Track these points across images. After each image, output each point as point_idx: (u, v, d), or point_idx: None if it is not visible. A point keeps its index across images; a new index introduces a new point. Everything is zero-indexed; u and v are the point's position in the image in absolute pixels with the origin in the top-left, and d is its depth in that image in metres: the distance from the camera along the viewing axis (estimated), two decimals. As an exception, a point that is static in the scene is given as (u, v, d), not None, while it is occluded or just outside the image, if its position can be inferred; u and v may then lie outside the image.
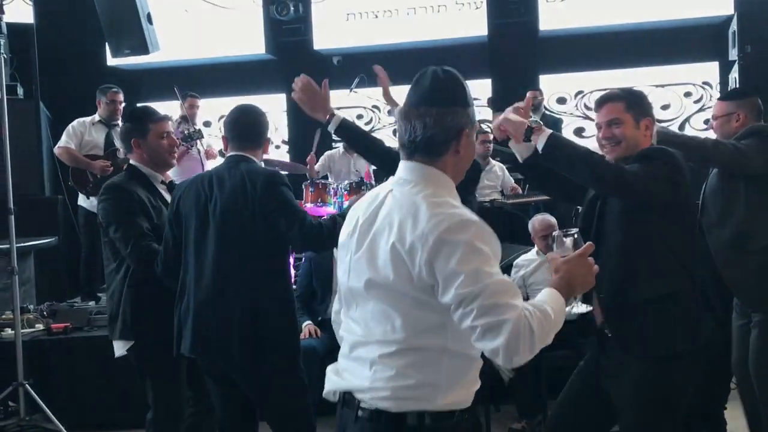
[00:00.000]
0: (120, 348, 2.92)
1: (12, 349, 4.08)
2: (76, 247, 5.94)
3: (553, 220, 4.42)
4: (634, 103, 2.45)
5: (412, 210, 1.57)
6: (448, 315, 1.54)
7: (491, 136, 6.15)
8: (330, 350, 4.17)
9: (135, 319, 2.82)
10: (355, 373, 1.64)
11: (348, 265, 1.68)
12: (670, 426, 2.36)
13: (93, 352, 4.33)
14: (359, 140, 2.81)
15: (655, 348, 2.32)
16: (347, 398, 1.66)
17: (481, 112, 7.64)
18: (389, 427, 1.58)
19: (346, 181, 5.66)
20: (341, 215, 2.58)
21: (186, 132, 5.68)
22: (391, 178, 1.72)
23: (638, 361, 2.32)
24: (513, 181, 6.02)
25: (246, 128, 2.70)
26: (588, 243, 1.82)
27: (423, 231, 1.53)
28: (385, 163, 2.73)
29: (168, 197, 2.94)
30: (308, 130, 6.05)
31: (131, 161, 2.98)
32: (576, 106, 7.67)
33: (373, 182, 5.74)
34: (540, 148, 2.33)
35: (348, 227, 1.73)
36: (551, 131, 2.37)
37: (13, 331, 4.17)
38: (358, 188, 5.65)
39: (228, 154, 2.71)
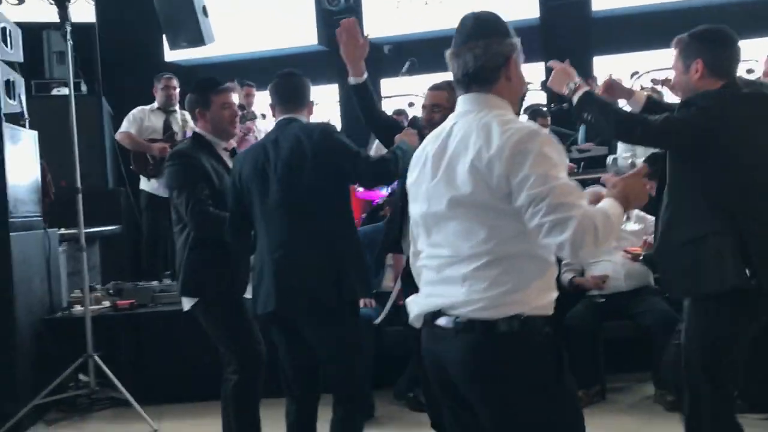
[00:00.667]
0: (186, 303, 3.06)
1: (81, 324, 4.26)
2: (138, 236, 6.16)
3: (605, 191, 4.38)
4: (685, 48, 2.52)
5: (484, 131, 1.70)
6: None
7: (549, 120, 6.12)
8: (384, 321, 4.23)
9: (193, 279, 2.96)
10: (445, 292, 1.75)
11: (426, 193, 1.80)
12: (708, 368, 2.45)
13: (158, 328, 4.51)
14: (369, 105, 2.94)
15: (685, 290, 2.45)
16: (436, 317, 1.77)
17: (535, 96, 7.60)
18: (485, 335, 1.69)
19: None
20: (399, 148, 2.69)
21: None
22: (452, 115, 1.85)
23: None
24: (568, 160, 5.95)
25: (289, 91, 2.78)
26: (643, 164, 1.91)
27: (498, 146, 1.66)
28: (382, 135, 3.00)
29: (230, 164, 3.04)
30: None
31: (196, 129, 3.11)
32: (632, 87, 7.52)
33: None
34: (574, 102, 2.52)
35: (418, 162, 1.87)
36: (588, 89, 2.52)
37: (82, 308, 4.35)
38: None
39: (277, 120, 2.79)
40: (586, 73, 6.93)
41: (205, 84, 3.10)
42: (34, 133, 4.68)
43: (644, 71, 7.44)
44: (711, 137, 2.39)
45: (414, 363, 4.13)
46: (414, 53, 6.53)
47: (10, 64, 4.47)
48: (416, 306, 1.84)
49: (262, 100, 6.98)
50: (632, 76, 7.55)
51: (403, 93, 7.46)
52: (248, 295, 3.00)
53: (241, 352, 2.99)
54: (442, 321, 1.74)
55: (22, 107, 4.57)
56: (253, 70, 7.64)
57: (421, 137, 2.37)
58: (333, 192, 2.64)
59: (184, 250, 3.00)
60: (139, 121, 5.59)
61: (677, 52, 2.55)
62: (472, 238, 1.70)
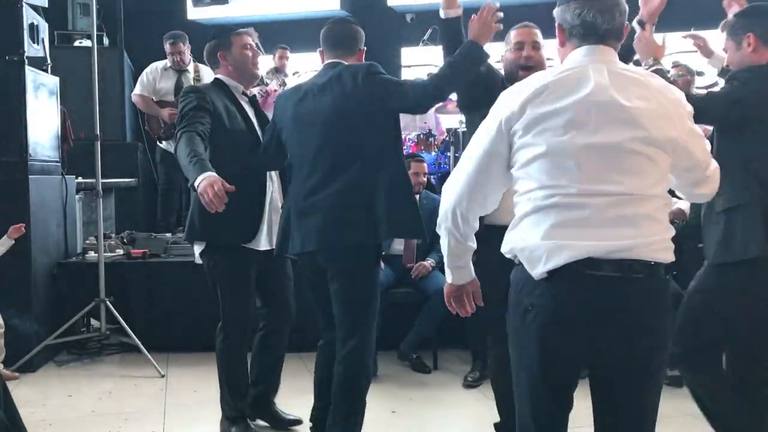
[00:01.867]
0: (197, 251, 3.08)
1: (95, 270, 4.35)
2: (153, 190, 6.23)
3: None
4: (733, 27, 2.60)
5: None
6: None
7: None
8: (394, 283, 4.28)
9: (201, 222, 2.95)
10: (624, 233, 1.62)
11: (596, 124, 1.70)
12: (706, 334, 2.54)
13: (169, 278, 4.60)
14: (455, 44, 2.75)
15: (716, 257, 2.51)
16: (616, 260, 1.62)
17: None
18: (664, 279, 1.68)
19: (414, 133, 5.70)
20: (460, 55, 2.62)
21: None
22: (577, 58, 1.75)
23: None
24: None
25: (338, 36, 2.79)
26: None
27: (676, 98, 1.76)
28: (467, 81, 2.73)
29: (248, 109, 3.08)
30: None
31: (216, 75, 3.13)
32: (649, 69, 7.46)
33: (447, 138, 5.74)
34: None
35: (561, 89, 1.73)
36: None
37: (96, 254, 4.43)
38: (426, 140, 5.70)
39: (323, 64, 2.82)
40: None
41: (223, 28, 3.14)
42: (56, 79, 4.73)
43: (667, 53, 7.38)
44: (750, 109, 2.46)
45: (421, 324, 4.18)
46: (437, 22, 6.48)
47: (35, 8, 4.50)
48: (577, 249, 1.59)
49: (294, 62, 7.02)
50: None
51: (423, 63, 7.43)
52: (262, 245, 3.04)
53: (228, 310, 3.04)
54: (630, 264, 1.59)
55: (45, 52, 4.61)
56: (275, 33, 7.63)
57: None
58: (380, 130, 2.63)
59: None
60: (153, 81, 5.66)
61: (726, 34, 2.62)
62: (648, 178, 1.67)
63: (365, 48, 2.83)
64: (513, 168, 1.74)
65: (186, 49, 5.73)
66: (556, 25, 1.82)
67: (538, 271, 1.62)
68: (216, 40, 3.08)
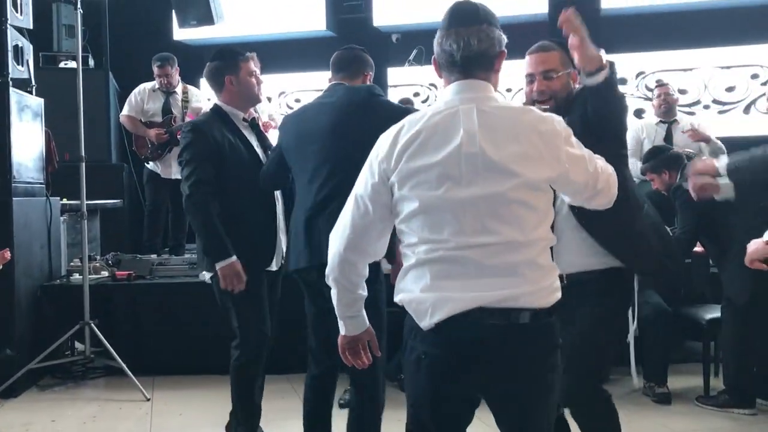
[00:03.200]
0: (206, 274, 3.06)
1: (79, 292, 4.30)
2: (139, 212, 6.20)
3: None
4: None
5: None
6: None
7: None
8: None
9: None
10: (504, 283, 1.68)
11: (473, 175, 1.71)
12: None
13: (154, 300, 4.56)
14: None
15: None
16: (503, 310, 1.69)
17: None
18: (549, 321, 1.73)
19: None
20: None
21: None
22: (447, 97, 1.72)
23: None
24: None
25: (344, 60, 2.83)
26: None
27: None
28: None
29: (248, 135, 3.09)
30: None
31: (216, 102, 3.12)
32: (637, 87, 7.54)
33: None
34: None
35: (443, 141, 1.70)
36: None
37: (81, 276, 4.39)
38: None
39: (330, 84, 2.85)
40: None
41: (231, 51, 3.11)
42: (41, 101, 4.71)
43: (650, 71, 7.48)
44: None
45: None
46: (423, 43, 6.54)
47: (20, 30, 4.49)
48: (461, 301, 1.61)
49: (268, 84, 7.01)
50: (638, 76, 7.58)
51: (409, 83, 7.48)
52: (275, 266, 3.07)
53: (245, 330, 3.01)
54: (517, 313, 1.61)
55: (29, 73, 4.60)
56: (260, 53, 7.65)
57: None
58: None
59: None
60: (140, 103, 5.67)
61: None
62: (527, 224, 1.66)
63: (371, 74, 2.86)
64: (396, 219, 1.73)
65: (174, 71, 5.75)
66: (432, 58, 1.78)
67: (425, 323, 1.64)
68: (222, 62, 3.05)
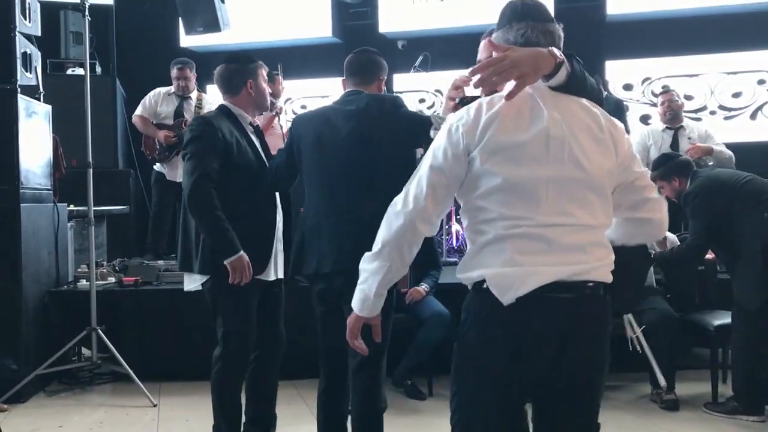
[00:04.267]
0: (193, 282, 3.03)
1: (86, 298, 4.31)
2: (145, 217, 6.22)
3: None
4: None
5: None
6: None
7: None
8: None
9: (214, 253, 2.89)
10: (579, 258, 1.71)
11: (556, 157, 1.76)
12: None
13: (161, 305, 4.56)
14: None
15: None
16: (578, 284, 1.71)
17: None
18: (606, 297, 1.76)
19: None
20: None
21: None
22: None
23: None
24: None
25: (359, 65, 2.82)
26: None
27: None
28: None
29: (254, 139, 3.08)
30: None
31: (223, 102, 3.10)
32: (642, 93, 7.54)
33: None
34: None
35: (529, 119, 1.74)
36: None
37: (88, 282, 4.40)
38: None
39: (345, 91, 2.84)
40: (598, 76, 6.96)
41: (249, 56, 3.12)
42: (48, 107, 4.74)
43: (656, 77, 7.47)
44: None
45: (415, 350, 4.16)
46: (429, 49, 6.54)
47: (28, 38, 4.52)
48: (544, 275, 1.64)
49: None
50: (644, 81, 7.58)
51: (414, 89, 7.50)
52: (271, 276, 3.03)
53: (230, 339, 2.99)
54: (585, 285, 1.67)
55: (37, 80, 4.63)
56: (267, 60, 7.67)
57: None
58: (400, 159, 2.65)
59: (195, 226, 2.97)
60: (154, 105, 5.70)
61: None
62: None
63: (385, 78, 2.86)
64: (470, 194, 1.73)
65: (192, 75, 5.81)
66: (497, 46, 1.80)
67: (509, 297, 1.64)
68: (243, 65, 3.05)
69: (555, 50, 1.70)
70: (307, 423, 3.69)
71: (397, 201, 1.77)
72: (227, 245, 2.81)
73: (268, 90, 3.13)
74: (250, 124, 3.11)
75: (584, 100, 1.78)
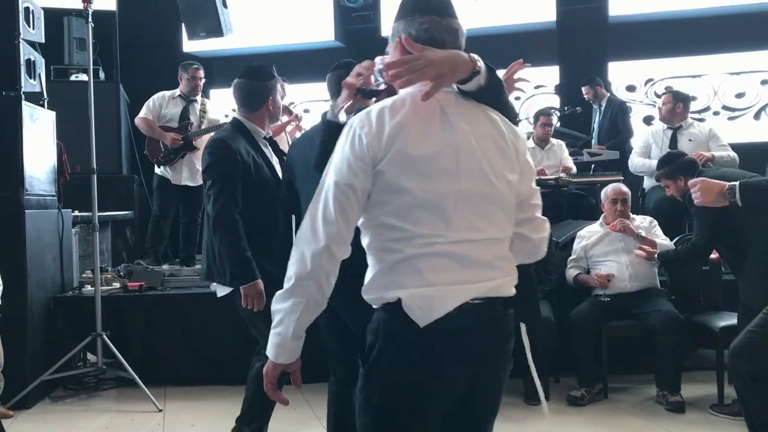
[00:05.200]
0: (224, 290, 3.04)
1: (91, 304, 4.32)
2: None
3: (626, 189, 4.41)
4: None
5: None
6: None
7: (554, 119, 6.11)
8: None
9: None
10: (490, 274, 1.67)
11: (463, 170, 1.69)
12: None
13: (166, 311, 4.57)
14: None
15: None
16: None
17: (548, 99, 7.62)
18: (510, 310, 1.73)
19: None
20: None
21: None
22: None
23: None
24: (571, 161, 5.93)
25: (333, 83, 2.74)
26: None
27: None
28: None
29: (268, 153, 3.10)
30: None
31: (236, 116, 3.11)
32: (646, 93, 7.55)
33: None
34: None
35: (434, 131, 1.65)
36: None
37: (93, 288, 4.41)
38: None
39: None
40: (601, 77, 6.95)
41: (268, 72, 3.10)
42: (52, 114, 4.75)
43: (659, 78, 7.47)
44: None
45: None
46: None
47: (32, 44, 4.54)
48: (460, 293, 1.58)
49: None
50: (647, 83, 7.57)
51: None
52: None
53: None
54: (497, 301, 1.64)
55: (41, 87, 4.64)
56: (270, 64, 7.71)
57: None
58: None
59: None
60: (158, 108, 5.67)
61: None
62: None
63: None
64: (377, 210, 1.60)
65: (203, 79, 5.78)
66: (396, 40, 1.68)
67: (425, 319, 1.55)
68: (266, 82, 3.05)
69: (476, 57, 1.65)
70: (312, 427, 3.70)
71: (305, 228, 1.63)
72: (245, 272, 2.88)
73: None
74: (264, 137, 3.13)
75: (490, 110, 1.70)
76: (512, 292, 1.68)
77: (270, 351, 1.66)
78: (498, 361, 1.69)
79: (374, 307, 1.64)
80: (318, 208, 1.61)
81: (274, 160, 3.12)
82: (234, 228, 2.87)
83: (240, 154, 2.93)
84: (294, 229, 3.10)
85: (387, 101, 1.64)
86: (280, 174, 3.08)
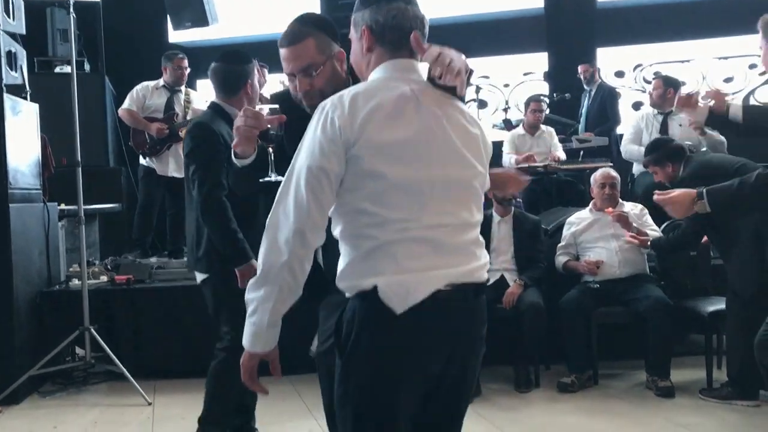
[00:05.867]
0: (201, 276, 3.06)
1: (79, 297, 4.28)
2: (137, 214, 6.18)
3: (615, 174, 4.42)
4: None
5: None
6: None
7: (544, 106, 6.09)
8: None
9: (209, 255, 2.94)
10: (467, 259, 1.68)
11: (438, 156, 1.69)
12: None
13: (154, 303, 4.54)
14: None
15: None
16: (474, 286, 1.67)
17: (537, 85, 7.61)
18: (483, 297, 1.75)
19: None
20: None
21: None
22: (391, 74, 1.64)
23: None
24: (561, 148, 5.92)
25: None
26: None
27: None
28: None
29: None
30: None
31: (215, 100, 3.08)
32: (635, 79, 7.54)
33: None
34: None
35: (411, 116, 1.65)
36: None
37: (80, 282, 4.37)
38: None
39: None
40: (589, 62, 6.93)
41: (246, 55, 3.07)
42: (35, 106, 4.69)
43: (647, 64, 7.47)
44: None
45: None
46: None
47: (12, 36, 4.47)
48: (435, 279, 1.57)
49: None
50: (635, 68, 7.57)
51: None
52: None
53: (238, 330, 2.99)
54: (472, 287, 1.65)
55: (23, 79, 4.58)
56: (256, 54, 7.63)
57: None
58: None
59: (197, 226, 2.99)
60: (142, 98, 5.61)
61: (762, 33, 2.56)
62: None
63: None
64: (350, 196, 1.57)
65: (188, 69, 5.72)
66: (363, 28, 1.66)
67: (401, 306, 1.53)
68: (243, 66, 3.01)
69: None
70: (304, 419, 3.69)
71: (276, 214, 1.59)
72: (239, 254, 2.86)
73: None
74: None
75: (457, 100, 1.69)
76: (485, 277, 1.68)
77: (246, 340, 1.65)
78: (472, 346, 1.69)
79: (347, 295, 1.61)
80: (289, 193, 1.58)
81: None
82: (222, 210, 2.85)
83: (222, 137, 2.89)
84: None
85: (359, 86, 1.62)
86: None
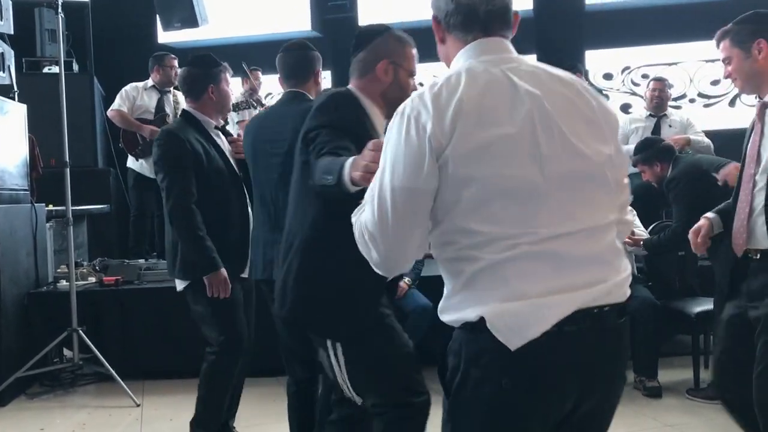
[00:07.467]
0: (181, 284, 3.05)
1: (66, 299, 4.26)
2: (126, 216, 6.15)
3: None
4: (736, 35, 2.46)
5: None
6: None
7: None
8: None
9: (186, 261, 2.95)
10: (600, 274, 1.37)
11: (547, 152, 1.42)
12: None
13: (143, 304, 4.52)
14: None
15: None
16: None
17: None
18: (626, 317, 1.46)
19: None
20: None
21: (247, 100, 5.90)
22: (471, 62, 1.42)
23: None
24: None
25: (292, 64, 2.78)
26: None
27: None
28: None
29: (221, 142, 3.08)
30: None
31: (185, 107, 3.09)
32: (623, 82, 7.57)
33: None
34: None
35: (508, 109, 1.40)
36: None
37: (68, 283, 4.35)
38: None
39: (284, 92, 2.83)
40: (576, 68, 6.97)
41: (212, 60, 3.07)
42: (23, 107, 4.67)
43: (635, 66, 7.50)
44: None
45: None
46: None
47: (1, 36, 4.46)
48: (560, 306, 1.29)
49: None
50: (623, 71, 7.60)
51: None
52: (246, 272, 3.05)
53: (229, 333, 3.00)
54: (608, 311, 1.35)
55: (11, 79, 4.56)
56: (246, 55, 7.63)
57: None
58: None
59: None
60: (132, 99, 5.59)
61: (726, 43, 2.48)
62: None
63: (320, 69, 2.83)
64: (445, 214, 1.34)
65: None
66: (432, 18, 1.50)
67: (519, 339, 1.28)
68: (204, 70, 3.01)
69: None
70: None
71: (363, 238, 1.40)
72: (206, 262, 2.87)
73: (231, 93, 3.13)
74: (216, 127, 3.11)
75: (559, 71, 1.44)
76: (627, 294, 1.38)
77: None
78: (609, 386, 1.41)
79: (455, 327, 1.38)
80: (375, 214, 1.36)
81: (226, 149, 3.09)
82: (191, 218, 2.86)
83: (190, 143, 2.90)
84: (249, 218, 3.05)
85: (440, 80, 1.38)
86: (234, 164, 3.06)
